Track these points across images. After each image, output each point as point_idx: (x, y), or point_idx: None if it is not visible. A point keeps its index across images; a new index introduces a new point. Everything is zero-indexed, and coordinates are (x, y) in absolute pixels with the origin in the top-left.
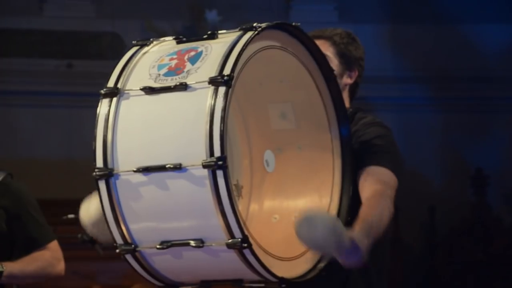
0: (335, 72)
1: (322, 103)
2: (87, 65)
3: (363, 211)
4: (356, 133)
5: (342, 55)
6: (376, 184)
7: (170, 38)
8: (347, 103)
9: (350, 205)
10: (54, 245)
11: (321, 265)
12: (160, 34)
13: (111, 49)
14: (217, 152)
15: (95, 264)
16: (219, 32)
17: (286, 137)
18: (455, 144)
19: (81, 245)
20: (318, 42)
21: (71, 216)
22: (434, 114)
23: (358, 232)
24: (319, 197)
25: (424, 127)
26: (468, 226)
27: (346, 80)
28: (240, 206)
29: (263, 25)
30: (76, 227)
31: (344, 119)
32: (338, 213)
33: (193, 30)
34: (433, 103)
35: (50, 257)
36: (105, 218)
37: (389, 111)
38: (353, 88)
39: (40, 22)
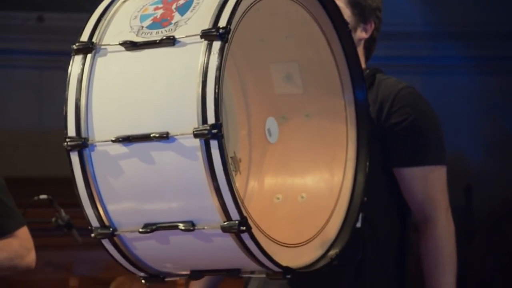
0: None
1: (335, 62)
2: (61, 18)
3: (427, 274)
4: (383, 104)
5: (355, 5)
6: (425, 209)
7: None
8: (362, 62)
9: (366, 183)
10: (23, 232)
11: (333, 252)
12: None
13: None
14: (211, 119)
15: (72, 253)
16: None
17: (292, 103)
18: (496, 111)
19: (56, 231)
20: None
21: (43, 197)
22: (471, 77)
23: None
24: (330, 174)
25: (459, 92)
26: (510, 209)
27: (361, 35)
28: (238, 183)
29: None
30: (49, 210)
31: (360, 81)
32: (352, 193)
33: None
34: (469, 64)
35: (19, 246)
36: (78, 197)
37: (418, 73)
38: (369, 44)
39: None
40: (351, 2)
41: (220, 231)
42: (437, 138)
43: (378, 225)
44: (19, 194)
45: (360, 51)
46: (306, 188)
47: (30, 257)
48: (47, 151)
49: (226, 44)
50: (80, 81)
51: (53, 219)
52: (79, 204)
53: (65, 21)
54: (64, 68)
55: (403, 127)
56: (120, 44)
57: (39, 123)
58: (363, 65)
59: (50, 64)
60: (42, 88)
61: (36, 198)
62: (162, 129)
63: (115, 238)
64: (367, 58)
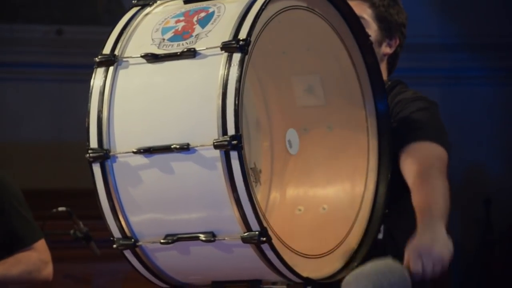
0: (371, 39)
1: (356, 74)
2: (80, 32)
3: (415, 200)
4: (395, 109)
5: (382, 19)
6: (417, 163)
7: None
8: (385, 76)
9: (388, 194)
10: (41, 245)
11: (355, 264)
12: None
13: (108, 13)
14: (231, 130)
15: (90, 265)
16: None
17: (314, 115)
18: None
19: (74, 243)
20: (354, 3)
21: (62, 209)
22: (491, 88)
23: (417, 240)
24: (352, 185)
25: (479, 104)
26: None
27: (385, 50)
28: (259, 194)
29: None
30: (68, 222)
31: (381, 93)
32: (374, 204)
33: None
34: (489, 75)
35: (37, 259)
36: (101, 208)
37: (438, 85)
38: (392, 59)
39: None
40: (378, 17)
41: (240, 241)
42: (443, 131)
43: (400, 237)
44: (38, 206)
45: (383, 65)
46: (327, 200)
47: (48, 270)
48: (66, 163)
49: (246, 56)
50: (102, 93)
51: (72, 231)
52: (98, 216)
53: (84, 34)
54: (84, 80)
55: (406, 118)
56: (142, 56)
57: (58, 136)
58: (385, 78)
59: (69, 77)
60: (61, 100)
61: (55, 210)
62: (182, 140)
63: (137, 249)
64: (389, 72)
